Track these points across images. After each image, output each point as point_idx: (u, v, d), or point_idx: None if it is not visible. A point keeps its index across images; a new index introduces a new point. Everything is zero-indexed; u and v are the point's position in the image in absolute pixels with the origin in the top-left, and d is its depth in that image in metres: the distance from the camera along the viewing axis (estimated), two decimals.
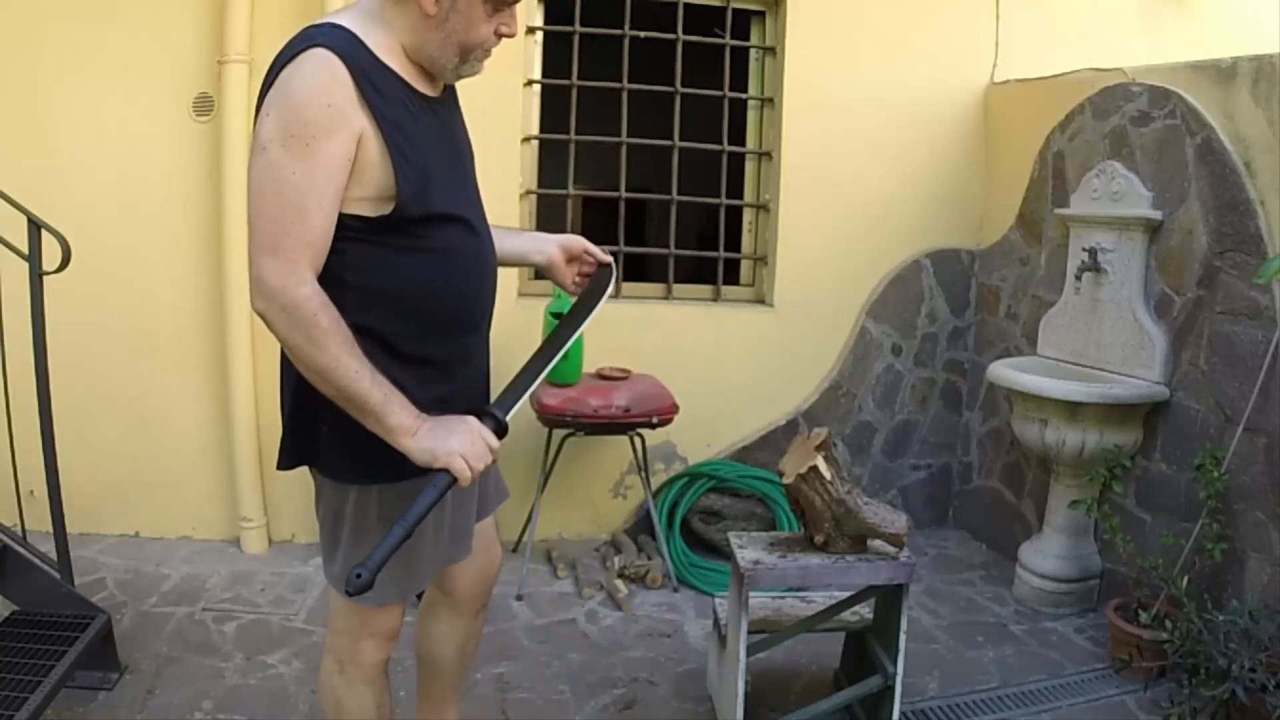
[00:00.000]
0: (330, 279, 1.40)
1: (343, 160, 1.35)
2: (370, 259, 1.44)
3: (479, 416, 1.47)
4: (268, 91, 1.38)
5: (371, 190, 1.40)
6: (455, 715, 2.06)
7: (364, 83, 1.36)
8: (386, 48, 1.42)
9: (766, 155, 3.83)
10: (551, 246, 1.79)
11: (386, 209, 1.41)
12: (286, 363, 1.51)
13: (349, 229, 1.41)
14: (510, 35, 1.50)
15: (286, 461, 1.57)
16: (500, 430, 1.48)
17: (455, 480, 1.41)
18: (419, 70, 1.48)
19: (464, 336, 1.60)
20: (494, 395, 1.64)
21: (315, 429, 1.51)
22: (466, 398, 1.60)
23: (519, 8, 1.51)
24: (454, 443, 1.40)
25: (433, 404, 1.48)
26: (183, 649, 2.67)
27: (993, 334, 3.83)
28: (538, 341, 3.20)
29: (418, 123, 1.45)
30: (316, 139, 1.32)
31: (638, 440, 3.34)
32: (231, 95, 3.17)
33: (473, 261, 1.56)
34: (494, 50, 1.53)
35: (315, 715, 2.37)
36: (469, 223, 1.55)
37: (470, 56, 1.48)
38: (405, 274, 1.46)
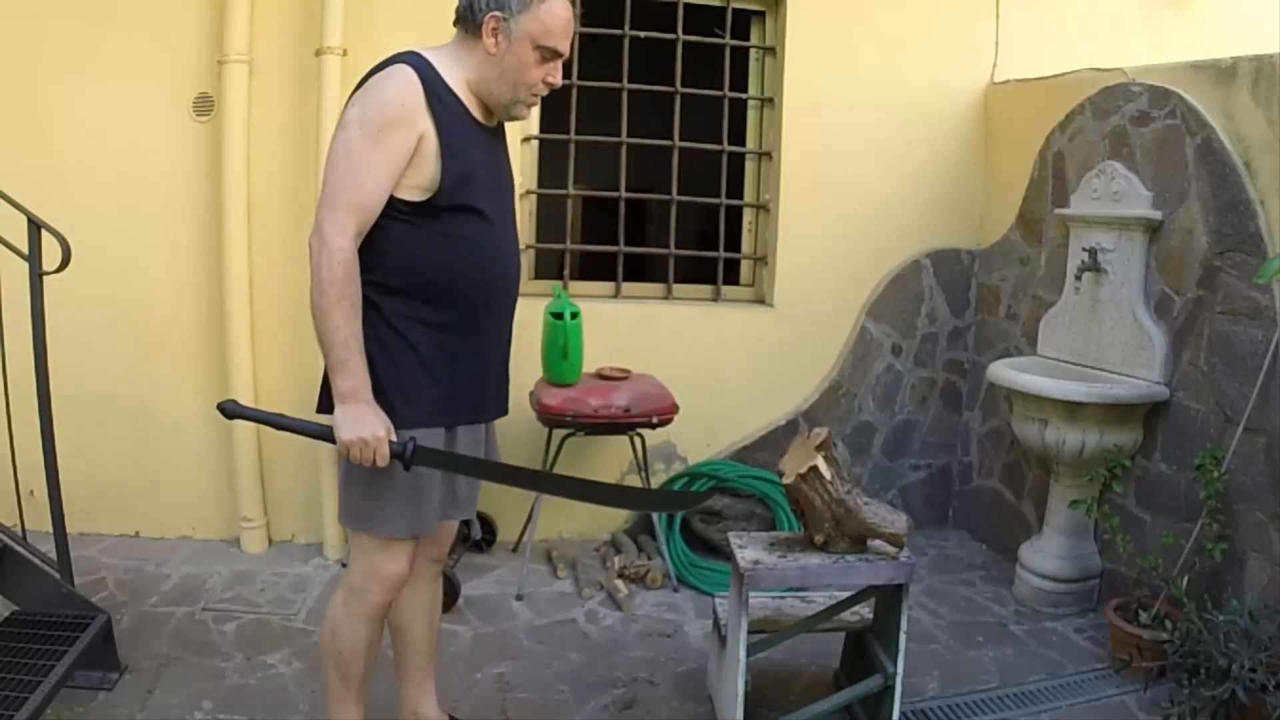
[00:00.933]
0: (377, 248, 1.76)
1: (403, 150, 1.70)
2: (407, 236, 1.77)
3: (407, 442, 1.73)
4: (355, 93, 1.74)
5: (423, 180, 1.74)
6: (435, 699, 2.21)
7: (432, 96, 1.72)
8: (455, 79, 1.78)
9: (766, 155, 3.83)
10: None
11: (428, 195, 1.75)
12: None
13: (397, 209, 1.75)
14: (554, 86, 1.85)
15: (322, 407, 1.86)
16: (401, 459, 1.73)
17: (333, 440, 1.73)
18: (479, 103, 1.83)
19: (475, 314, 1.86)
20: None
21: None
22: (473, 374, 1.89)
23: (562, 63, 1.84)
24: (351, 435, 1.70)
25: (438, 362, 1.82)
26: (183, 649, 2.67)
27: (993, 334, 3.83)
28: (536, 341, 3.25)
29: (470, 138, 1.79)
30: (386, 129, 1.68)
31: (638, 440, 3.34)
32: (231, 95, 3.17)
33: (490, 254, 1.85)
34: None
35: (315, 715, 2.37)
36: (493, 223, 1.84)
37: (520, 97, 1.81)
38: (431, 251, 1.78)
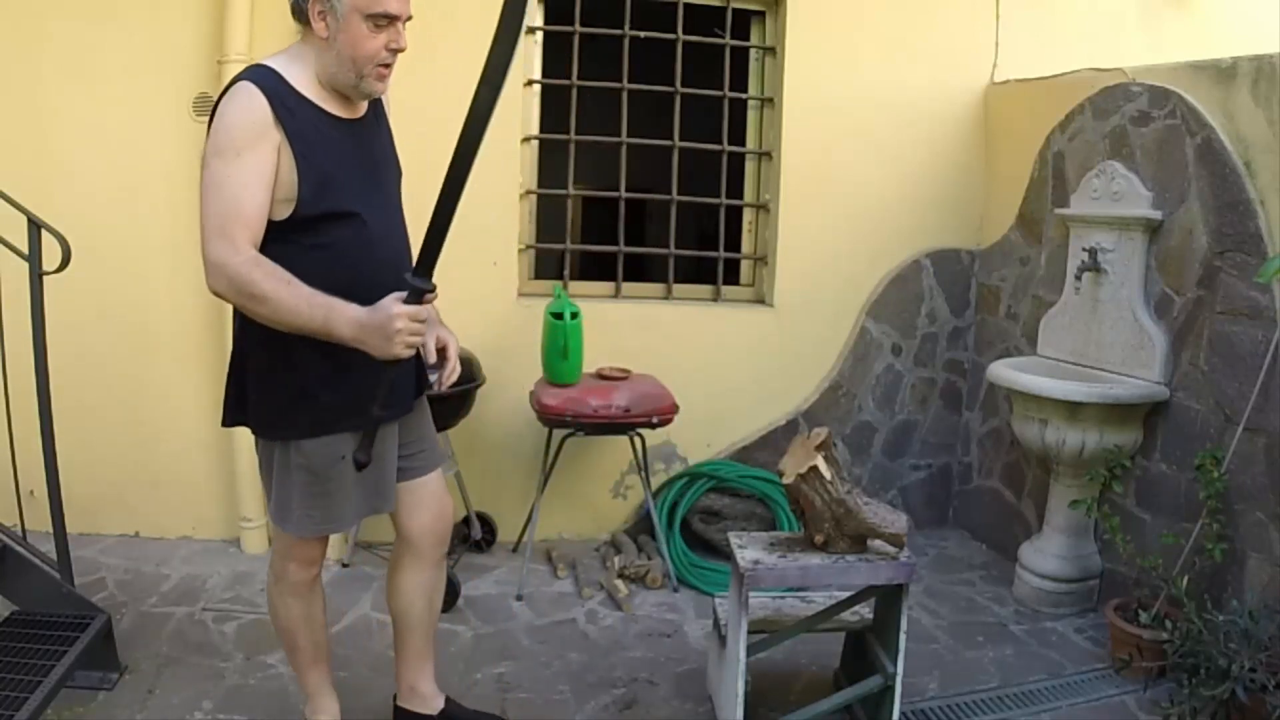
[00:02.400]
0: None
1: (268, 163, 1.70)
2: (281, 255, 1.74)
3: (406, 294, 1.70)
4: (210, 124, 1.73)
5: (285, 193, 1.74)
6: (432, 677, 2.27)
7: (278, 107, 1.71)
8: (303, 80, 1.77)
9: (766, 155, 3.82)
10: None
11: (292, 208, 1.74)
12: (234, 342, 1.92)
13: (270, 229, 1.75)
14: (400, 49, 1.78)
15: (228, 420, 1.95)
16: (416, 297, 1.69)
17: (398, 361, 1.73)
18: (336, 97, 1.81)
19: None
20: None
21: (246, 396, 1.88)
22: (368, 372, 1.80)
23: (407, 25, 1.78)
24: (384, 350, 1.68)
25: (333, 372, 1.82)
26: (183, 649, 2.67)
27: (993, 334, 3.83)
28: (537, 341, 3.25)
29: (327, 139, 1.78)
30: (243, 150, 1.68)
31: (638, 440, 3.34)
32: None
33: (369, 255, 1.84)
34: None
35: None
36: (369, 222, 1.83)
37: (365, 71, 1.76)
38: (305, 266, 1.73)
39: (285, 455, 1.89)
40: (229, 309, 3.19)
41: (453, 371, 1.94)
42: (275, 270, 1.68)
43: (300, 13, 1.76)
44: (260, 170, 1.69)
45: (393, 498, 2.03)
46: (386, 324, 1.66)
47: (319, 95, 1.78)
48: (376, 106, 1.94)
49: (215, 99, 1.75)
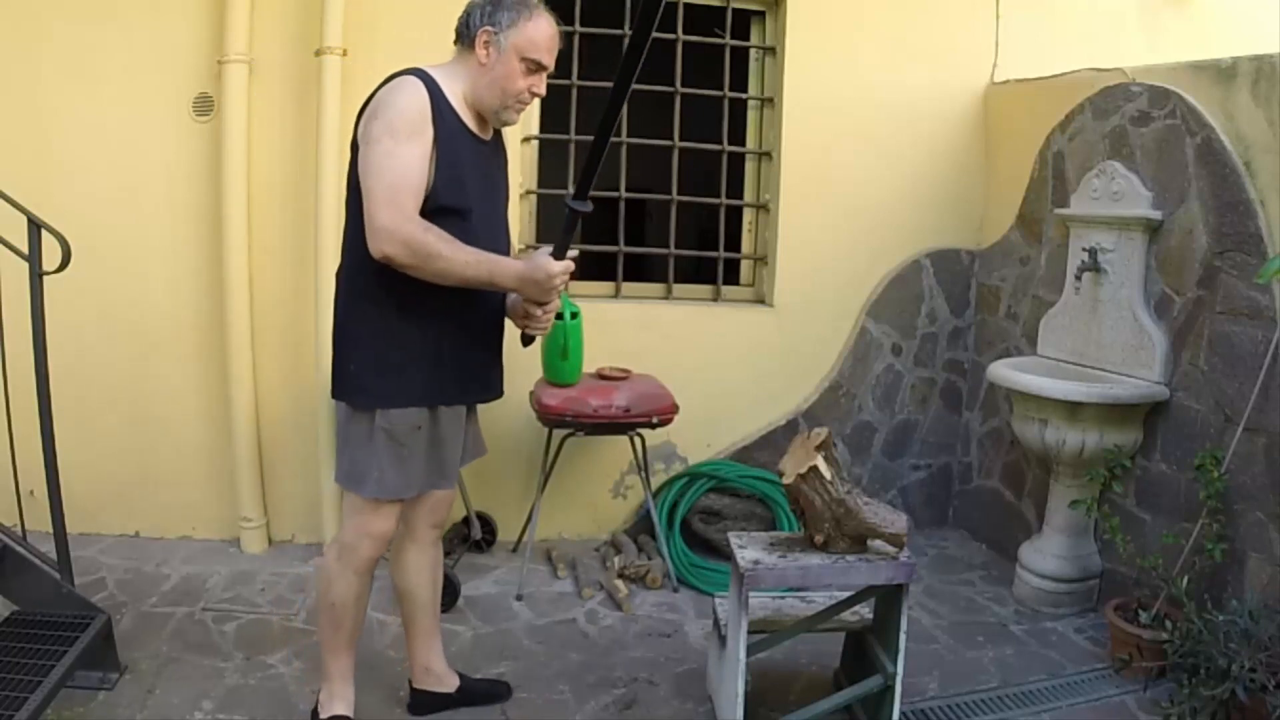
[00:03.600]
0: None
1: (427, 148, 1.91)
2: None
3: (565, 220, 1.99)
4: (366, 107, 1.95)
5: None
6: (443, 655, 2.43)
7: (435, 107, 1.92)
8: (454, 93, 1.99)
9: (766, 155, 3.82)
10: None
11: (422, 197, 1.92)
12: (336, 320, 2.07)
13: None
14: (539, 95, 2.07)
15: (336, 392, 2.09)
16: (574, 219, 1.98)
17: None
18: (475, 116, 2.04)
19: (457, 305, 2.03)
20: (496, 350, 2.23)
21: (347, 367, 2.04)
22: (458, 360, 2.09)
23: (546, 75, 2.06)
24: (538, 296, 2.03)
25: (425, 348, 2.02)
26: (183, 649, 2.67)
27: (993, 334, 3.83)
28: (537, 341, 3.24)
29: (464, 147, 1.99)
30: (414, 133, 1.89)
31: (638, 440, 3.33)
32: (231, 95, 3.17)
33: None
34: None
35: None
36: (475, 223, 2.01)
37: (508, 103, 2.02)
38: None
39: (369, 420, 2.03)
40: (230, 307, 3.27)
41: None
42: (440, 231, 1.89)
43: (465, 37, 2.00)
44: (424, 153, 1.90)
45: (454, 478, 2.20)
46: (545, 280, 1.97)
47: (463, 110, 2.00)
48: (499, 136, 2.17)
49: (375, 90, 1.95)
